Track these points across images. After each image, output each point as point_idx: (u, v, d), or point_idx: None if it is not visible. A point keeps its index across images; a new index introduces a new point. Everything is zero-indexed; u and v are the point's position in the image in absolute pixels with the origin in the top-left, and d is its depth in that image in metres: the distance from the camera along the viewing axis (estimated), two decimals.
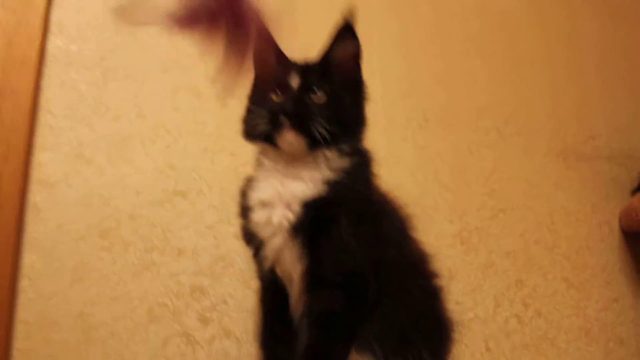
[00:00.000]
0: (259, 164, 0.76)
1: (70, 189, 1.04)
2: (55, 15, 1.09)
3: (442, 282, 0.83)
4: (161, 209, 1.06)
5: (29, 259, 1.00)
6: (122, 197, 1.05)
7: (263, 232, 0.70)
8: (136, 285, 1.03)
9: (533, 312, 1.24)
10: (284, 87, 0.72)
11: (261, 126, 0.70)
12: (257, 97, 0.76)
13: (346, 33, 0.74)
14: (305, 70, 0.73)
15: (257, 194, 0.71)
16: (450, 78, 1.31)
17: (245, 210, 0.73)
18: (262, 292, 0.79)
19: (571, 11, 1.48)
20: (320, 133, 0.67)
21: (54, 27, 1.09)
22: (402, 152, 1.22)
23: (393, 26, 1.30)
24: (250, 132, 0.74)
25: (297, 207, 0.68)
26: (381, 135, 1.22)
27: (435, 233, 1.21)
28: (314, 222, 0.67)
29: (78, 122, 1.07)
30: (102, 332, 0.99)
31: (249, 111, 0.76)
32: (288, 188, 0.69)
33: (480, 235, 1.24)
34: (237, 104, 1.14)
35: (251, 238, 0.72)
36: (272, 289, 0.74)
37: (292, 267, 0.69)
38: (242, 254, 1.06)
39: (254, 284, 1.08)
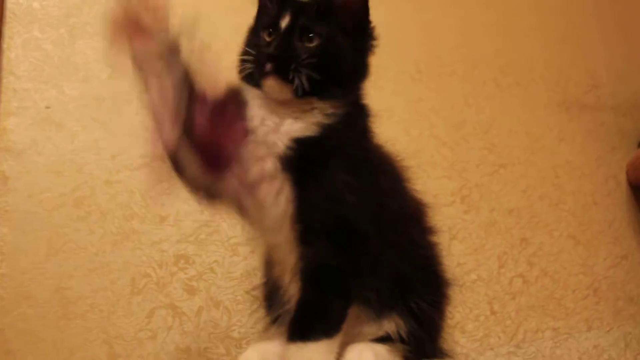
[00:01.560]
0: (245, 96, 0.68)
1: (40, 156, 0.97)
2: None
3: (439, 238, 0.79)
4: (139, 174, 0.99)
5: (0, 232, 0.94)
6: (96, 162, 0.98)
7: (254, 148, 0.63)
8: (116, 255, 0.96)
9: (539, 272, 1.18)
10: (274, 27, 0.66)
11: (247, 69, 0.65)
12: (253, 35, 0.71)
13: None
14: (299, 8, 0.66)
15: (257, 111, 0.65)
16: (442, 26, 1.23)
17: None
18: None
19: None
20: (303, 83, 0.62)
21: None
22: (394, 106, 1.15)
23: None
24: (239, 74, 0.68)
25: (287, 142, 0.63)
26: (371, 88, 1.13)
27: (433, 191, 1.14)
28: (304, 160, 0.62)
29: (44, 83, 0.99)
30: (82, 306, 0.93)
31: (241, 51, 0.70)
32: (279, 123, 0.64)
33: (481, 192, 1.18)
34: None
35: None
36: None
37: (282, 202, 0.63)
38: (228, 219, 1.00)
39: (242, 250, 1.03)
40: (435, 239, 0.79)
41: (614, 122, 1.31)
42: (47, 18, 1.01)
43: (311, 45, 0.64)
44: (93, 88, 1.01)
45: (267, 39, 0.67)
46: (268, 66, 0.62)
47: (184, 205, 1.00)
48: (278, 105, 0.65)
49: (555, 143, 1.26)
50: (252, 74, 0.65)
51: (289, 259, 0.66)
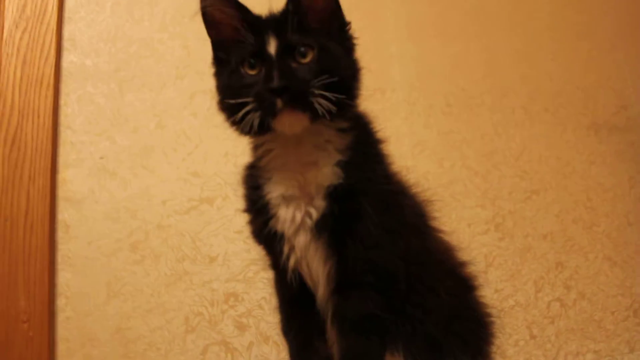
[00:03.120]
0: (264, 152, 0.65)
1: (97, 204, 1.03)
2: (67, 31, 1.08)
3: (474, 270, 0.77)
4: (189, 218, 1.05)
5: (64, 277, 1.00)
6: (149, 208, 1.04)
7: (287, 230, 0.62)
8: (170, 296, 1.02)
9: (576, 295, 1.20)
10: (261, 55, 0.58)
11: (253, 119, 0.57)
12: (228, 74, 0.62)
13: None
14: (279, 26, 0.59)
15: (278, 188, 0.62)
16: (469, 58, 1.26)
17: (261, 207, 0.64)
18: (279, 282, 0.70)
19: None
20: (324, 105, 0.56)
21: (66, 43, 1.08)
22: (426, 140, 1.19)
23: (408, 10, 1.26)
24: (241, 128, 0.61)
25: (320, 201, 0.60)
26: (403, 123, 1.18)
27: (468, 220, 1.17)
28: (339, 216, 0.60)
29: (98, 135, 1.06)
30: (141, 345, 0.99)
31: (227, 102, 0.61)
32: (308, 178, 0.61)
33: (514, 219, 1.20)
34: None
35: (269, 236, 0.64)
36: (291, 287, 0.66)
37: (318, 266, 0.63)
38: None
39: None
40: (468, 276, 0.74)
41: None
42: (99, 74, 1.08)
43: (306, 60, 0.58)
44: (142, 137, 1.07)
45: (252, 72, 0.59)
46: (278, 102, 0.55)
47: (231, 245, 1.05)
48: (297, 149, 0.61)
49: (586, 166, 1.27)
50: (261, 120, 0.57)
51: (325, 308, 0.65)
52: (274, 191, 0.63)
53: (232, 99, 0.59)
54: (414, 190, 0.74)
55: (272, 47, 0.58)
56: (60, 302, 0.99)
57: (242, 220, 1.06)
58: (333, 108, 0.56)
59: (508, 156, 1.23)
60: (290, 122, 0.58)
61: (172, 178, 1.06)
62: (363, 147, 0.64)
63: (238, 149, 1.10)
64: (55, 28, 1.05)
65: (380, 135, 0.68)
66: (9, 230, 0.98)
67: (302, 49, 0.58)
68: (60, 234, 1.01)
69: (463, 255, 0.80)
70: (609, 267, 1.23)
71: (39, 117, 1.02)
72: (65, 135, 1.05)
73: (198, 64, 1.12)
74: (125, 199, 1.04)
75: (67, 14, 1.08)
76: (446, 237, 0.78)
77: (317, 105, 0.56)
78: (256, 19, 0.62)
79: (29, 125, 1.01)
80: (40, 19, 1.04)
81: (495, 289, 1.16)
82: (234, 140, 1.06)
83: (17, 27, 1.03)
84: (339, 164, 0.61)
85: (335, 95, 0.56)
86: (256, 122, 0.57)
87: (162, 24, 1.12)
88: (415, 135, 1.18)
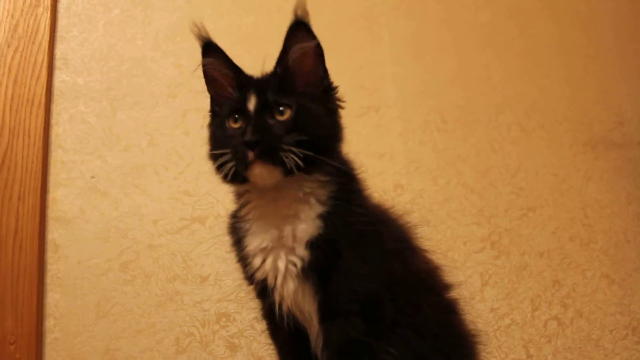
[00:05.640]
0: (244, 202, 0.68)
1: (88, 224, 1.03)
2: (60, 50, 1.08)
3: (456, 293, 0.77)
4: (180, 237, 1.04)
5: (53, 298, 0.99)
6: (140, 227, 1.04)
7: (271, 279, 0.65)
8: (161, 316, 1.01)
9: (574, 313, 1.18)
10: (242, 111, 0.63)
11: (229, 168, 0.61)
12: (217, 129, 0.67)
13: (299, 32, 0.64)
14: (262, 84, 0.64)
15: (254, 242, 0.66)
16: (465, 75, 1.25)
17: (244, 259, 0.68)
18: (273, 331, 0.73)
19: None
20: (293, 160, 0.59)
21: (58, 62, 1.08)
22: (421, 157, 1.18)
23: (403, 27, 1.26)
24: (222, 176, 0.64)
25: (302, 250, 0.63)
26: (398, 140, 1.18)
27: (464, 238, 1.16)
28: (321, 261, 0.63)
29: (89, 155, 1.05)
30: None
31: (212, 152, 0.66)
32: (287, 231, 0.64)
33: (510, 236, 1.18)
34: None
35: (257, 285, 0.68)
36: (286, 329, 0.69)
37: (310, 306, 0.65)
38: None
39: None
40: (453, 295, 0.76)
41: None
42: (91, 93, 1.08)
43: (284, 118, 0.62)
44: (134, 156, 1.07)
45: (235, 125, 0.64)
46: (250, 155, 0.59)
47: (223, 265, 1.04)
48: (276, 202, 0.64)
49: (583, 183, 1.26)
50: (236, 170, 0.61)
51: (317, 339, 0.67)
52: (251, 244, 0.67)
53: (215, 149, 0.65)
54: (397, 216, 0.75)
55: (251, 104, 0.63)
56: (49, 323, 0.98)
57: None
58: (300, 164, 0.60)
59: (504, 173, 1.21)
60: (261, 174, 0.61)
61: (164, 197, 1.06)
62: (345, 194, 0.66)
63: None
64: (47, 47, 1.04)
65: (362, 177, 0.70)
66: None
67: (281, 108, 0.63)
68: (49, 254, 1.01)
69: (458, 274, 0.80)
70: (606, 285, 1.21)
71: (29, 136, 1.02)
72: (56, 154, 1.04)
73: (190, 82, 1.12)
74: (116, 218, 1.03)
75: (59, 32, 1.08)
76: (434, 257, 0.78)
77: (286, 160, 0.59)
78: (245, 78, 0.67)
79: (20, 144, 1.01)
80: (32, 38, 1.04)
81: (491, 308, 1.14)
82: None
83: (8, 46, 1.03)
84: (320, 216, 0.64)
85: (305, 152, 0.59)
86: (231, 172, 0.62)
87: (155, 42, 1.12)
88: (410, 152, 1.17)
